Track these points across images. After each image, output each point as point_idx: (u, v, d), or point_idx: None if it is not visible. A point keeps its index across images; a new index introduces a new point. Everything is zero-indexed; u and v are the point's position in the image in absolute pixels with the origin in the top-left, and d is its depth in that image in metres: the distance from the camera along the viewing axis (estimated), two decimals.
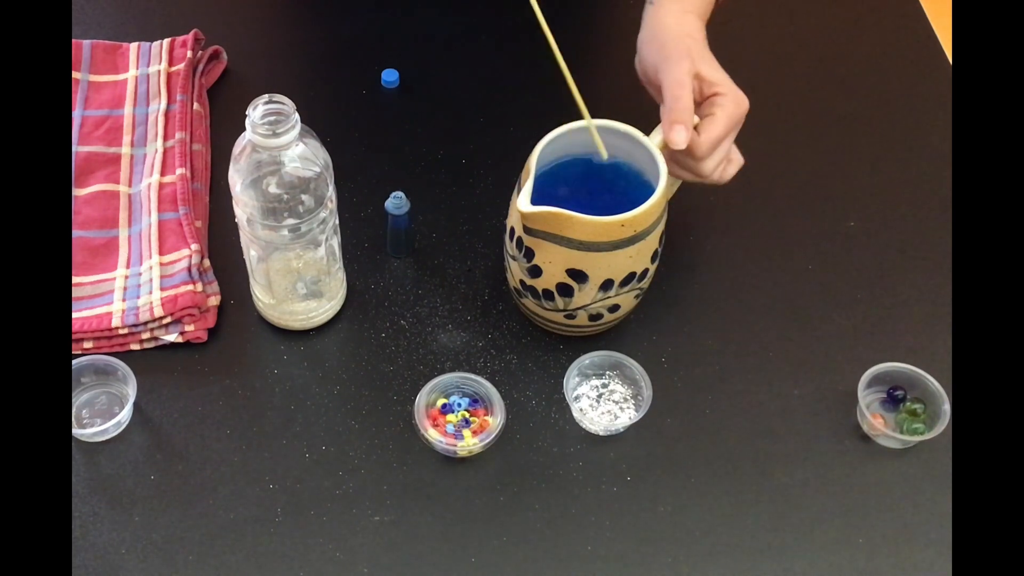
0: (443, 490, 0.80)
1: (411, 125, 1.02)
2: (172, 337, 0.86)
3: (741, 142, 0.98)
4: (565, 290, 0.82)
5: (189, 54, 1.01)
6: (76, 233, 0.91)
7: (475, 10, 1.12)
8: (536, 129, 1.05)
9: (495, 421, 0.81)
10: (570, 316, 0.84)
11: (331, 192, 0.80)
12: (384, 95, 1.04)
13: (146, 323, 0.85)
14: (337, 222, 0.84)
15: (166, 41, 1.03)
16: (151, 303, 0.85)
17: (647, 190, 0.80)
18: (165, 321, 0.85)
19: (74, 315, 0.85)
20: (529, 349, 0.88)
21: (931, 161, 1.02)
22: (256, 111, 0.75)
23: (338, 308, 0.89)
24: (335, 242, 0.85)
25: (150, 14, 1.10)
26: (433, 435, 0.80)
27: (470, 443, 0.80)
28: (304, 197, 0.78)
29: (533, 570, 0.77)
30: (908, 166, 1.01)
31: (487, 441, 0.80)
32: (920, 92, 1.07)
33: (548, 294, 0.83)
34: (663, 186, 0.79)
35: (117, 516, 0.78)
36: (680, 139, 0.80)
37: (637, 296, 0.85)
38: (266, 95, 0.75)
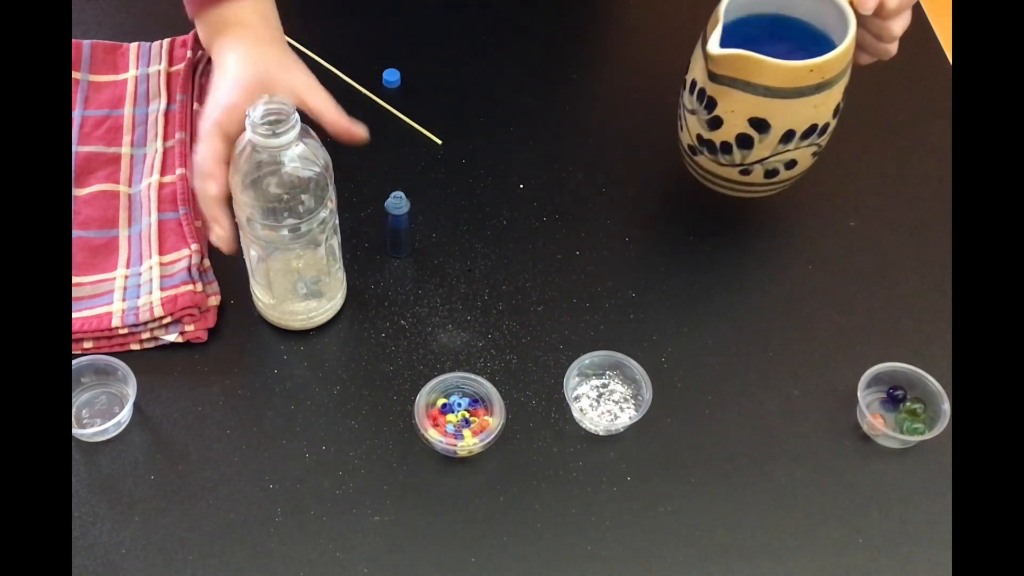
0: (443, 490, 0.80)
1: (411, 125, 1.02)
2: (172, 337, 0.86)
3: None
4: (745, 141, 0.83)
5: (189, 54, 1.01)
6: (76, 233, 0.91)
7: (475, 10, 1.12)
8: (536, 129, 1.05)
9: (495, 421, 0.81)
10: (745, 172, 0.85)
11: (331, 192, 0.80)
12: (385, 95, 1.04)
13: (146, 323, 0.85)
14: (337, 222, 0.84)
15: (166, 41, 1.03)
16: (151, 303, 0.85)
17: (832, 48, 0.81)
18: (165, 321, 0.85)
19: (74, 315, 0.85)
20: (529, 349, 0.88)
21: (931, 161, 1.02)
22: (256, 111, 0.75)
23: (338, 308, 0.89)
24: (335, 242, 0.85)
25: (150, 14, 1.09)
26: (433, 435, 0.80)
27: (470, 443, 0.80)
28: (304, 197, 0.78)
29: (533, 570, 0.77)
30: (908, 166, 1.01)
31: (487, 441, 0.80)
32: (920, 92, 1.07)
33: (726, 147, 0.84)
34: (852, 33, 0.80)
35: (117, 516, 0.78)
36: (871, 4, 0.81)
37: (815, 154, 0.85)
38: (266, 95, 0.75)
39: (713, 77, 0.81)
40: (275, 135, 0.74)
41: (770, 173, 0.85)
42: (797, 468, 0.82)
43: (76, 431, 0.81)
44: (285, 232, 0.79)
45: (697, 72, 0.84)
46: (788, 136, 0.82)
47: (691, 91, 0.85)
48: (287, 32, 1.09)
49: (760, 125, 0.81)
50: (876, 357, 0.86)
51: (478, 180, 0.99)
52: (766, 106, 0.81)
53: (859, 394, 0.83)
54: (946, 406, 0.82)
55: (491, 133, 1.02)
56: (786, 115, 0.81)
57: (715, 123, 0.83)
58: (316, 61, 1.06)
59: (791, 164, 0.84)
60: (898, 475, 0.82)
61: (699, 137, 0.85)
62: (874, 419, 0.83)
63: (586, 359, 0.85)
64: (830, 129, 0.85)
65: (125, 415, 0.81)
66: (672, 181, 0.99)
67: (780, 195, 0.99)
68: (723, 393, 0.86)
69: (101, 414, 0.83)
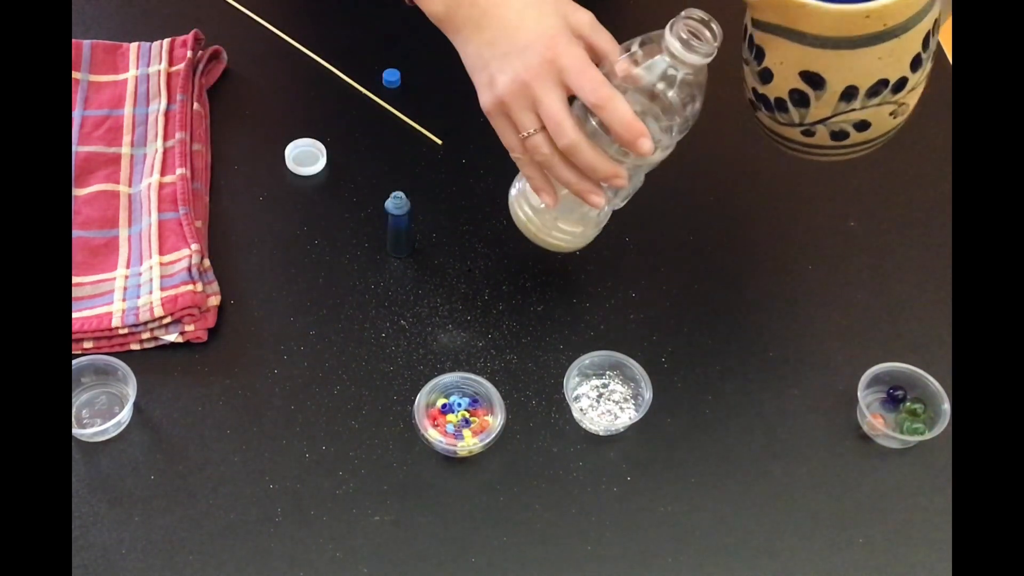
0: (443, 490, 0.80)
1: (411, 125, 1.02)
2: (172, 337, 0.86)
3: (740, 142, 0.99)
4: (799, 99, 0.72)
5: (189, 54, 1.01)
6: (76, 233, 0.91)
7: None
8: None
9: (495, 421, 0.81)
10: (808, 133, 0.74)
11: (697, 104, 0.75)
12: (385, 95, 1.04)
13: (146, 323, 0.85)
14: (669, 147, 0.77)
15: (166, 41, 1.03)
16: (151, 303, 0.85)
17: None
18: (165, 321, 0.85)
19: (74, 315, 0.85)
20: (529, 349, 0.88)
21: (931, 161, 1.02)
22: (680, 27, 0.71)
23: (587, 241, 0.85)
24: (657, 158, 0.78)
25: (150, 14, 1.09)
26: (433, 435, 0.80)
27: (470, 443, 0.80)
28: (695, 102, 0.75)
29: (533, 570, 0.77)
30: (908, 166, 1.01)
31: (487, 441, 0.80)
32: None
33: (780, 104, 0.73)
34: None
35: (117, 516, 0.78)
36: None
37: (895, 114, 0.73)
38: (687, 10, 0.71)
39: (756, 23, 0.72)
40: (698, 51, 0.71)
41: (838, 135, 0.73)
42: (797, 468, 0.82)
43: (76, 431, 0.81)
44: (666, 136, 0.75)
45: (748, 16, 0.75)
46: (850, 94, 0.70)
47: (744, 38, 0.76)
48: (287, 32, 1.09)
49: (814, 80, 0.70)
50: (876, 357, 0.86)
51: (478, 180, 0.99)
52: (818, 58, 0.69)
53: (859, 394, 0.83)
54: (946, 406, 0.82)
55: (491, 133, 1.02)
56: (843, 69, 0.69)
57: (766, 76, 0.72)
58: (316, 61, 1.06)
59: (863, 126, 0.72)
60: (898, 475, 0.82)
61: (755, 91, 0.75)
62: (874, 419, 0.83)
63: (586, 359, 0.85)
64: (911, 85, 0.71)
65: (125, 415, 0.81)
66: (672, 181, 0.99)
67: (780, 195, 0.99)
68: (723, 393, 0.86)
69: (101, 414, 0.83)
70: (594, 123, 0.75)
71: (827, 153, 0.76)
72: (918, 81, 0.72)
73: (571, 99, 0.76)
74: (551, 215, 0.83)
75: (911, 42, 0.69)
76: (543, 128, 0.75)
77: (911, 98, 0.72)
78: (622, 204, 0.83)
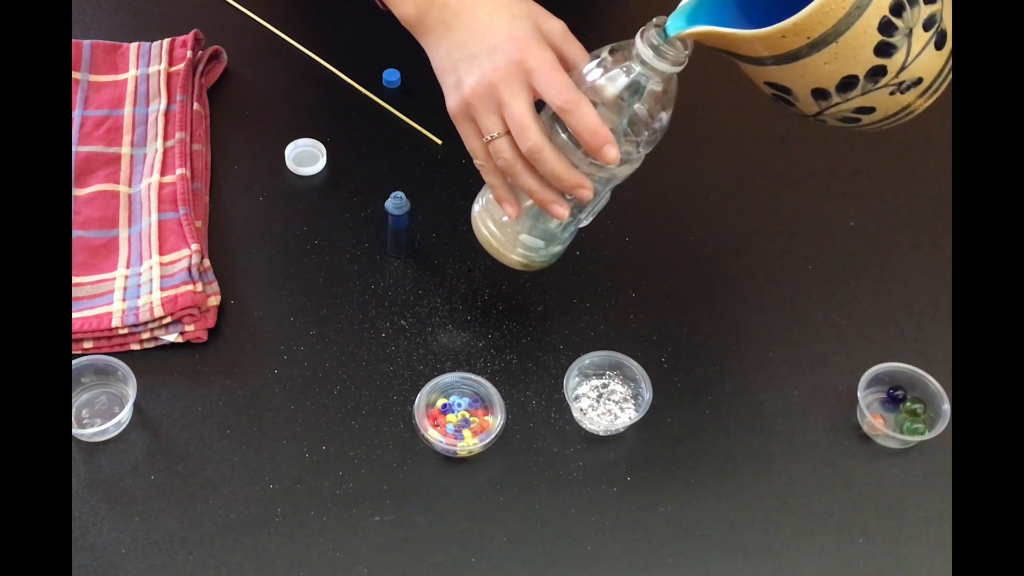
0: (443, 490, 0.80)
1: (411, 125, 1.02)
2: (172, 337, 0.86)
3: (740, 141, 0.99)
4: (784, 100, 0.71)
5: (189, 54, 1.01)
6: (76, 233, 0.91)
7: None
8: None
9: (495, 421, 0.81)
10: (819, 121, 0.72)
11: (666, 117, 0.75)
12: (385, 95, 1.04)
13: (146, 323, 0.85)
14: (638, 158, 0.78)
15: (166, 41, 1.03)
16: (151, 303, 0.85)
17: None
18: (165, 321, 0.85)
19: (74, 315, 0.85)
20: (529, 349, 0.88)
21: (931, 161, 1.02)
22: (650, 35, 0.71)
23: (553, 260, 0.84)
24: (624, 172, 0.78)
25: (150, 14, 1.10)
26: (433, 435, 0.80)
27: (470, 443, 0.80)
28: (663, 115, 0.74)
29: (533, 570, 0.77)
30: (908, 166, 1.01)
31: (487, 441, 0.80)
32: None
33: (776, 103, 0.72)
34: None
35: (117, 516, 0.78)
36: None
37: (893, 92, 0.68)
38: (655, 19, 0.72)
39: (712, 48, 0.71)
40: (668, 58, 0.71)
41: (847, 120, 0.70)
42: (797, 468, 0.82)
43: (76, 431, 0.81)
44: (637, 150, 0.75)
45: None
46: (821, 94, 0.68)
47: None
48: (287, 32, 1.09)
49: (781, 88, 0.69)
50: (876, 357, 0.86)
51: (478, 180, 0.98)
52: (772, 72, 0.68)
53: (859, 394, 0.83)
54: (946, 406, 0.82)
55: None
56: (796, 78, 0.67)
57: (751, 81, 0.72)
58: (316, 61, 1.06)
59: (865, 111, 0.69)
60: (898, 475, 0.82)
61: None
62: (874, 419, 0.83)
63: (586, 359, 0.85)
64: (896, 67, 0.66)
65: (125, 415, 0.81)
66: (672, 181, 0.99)
67: (780, 195, 0.99)
68: (723, 393, 0.86)
69: (101, 414, 0.83)
70: (563, 136, 0.75)
71: (863, 128, 0.72)
72: (907, 60, 0.67)
73: (540, 111, 0.76)
74: (514, 229, 0.82)
75: (856, 39, 0.64)
76: (508, 132, 0.75)
77: (914, 72, 0.67)
78: (588, 222, 0.83)
